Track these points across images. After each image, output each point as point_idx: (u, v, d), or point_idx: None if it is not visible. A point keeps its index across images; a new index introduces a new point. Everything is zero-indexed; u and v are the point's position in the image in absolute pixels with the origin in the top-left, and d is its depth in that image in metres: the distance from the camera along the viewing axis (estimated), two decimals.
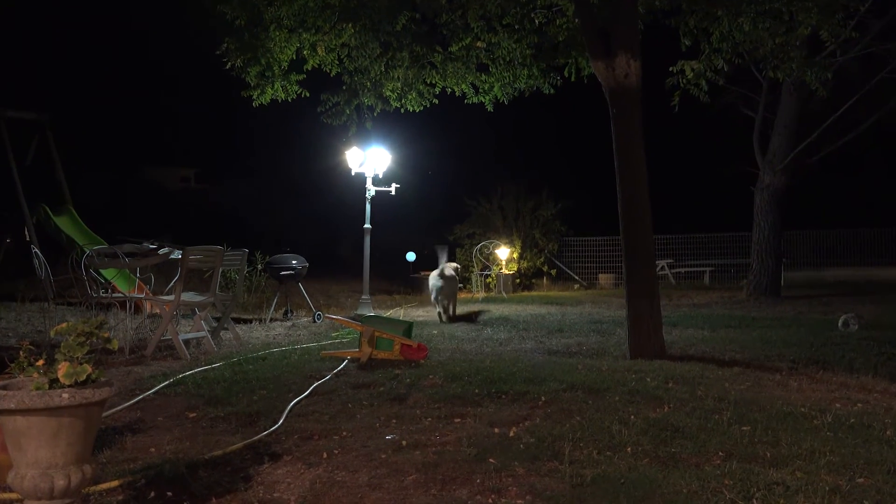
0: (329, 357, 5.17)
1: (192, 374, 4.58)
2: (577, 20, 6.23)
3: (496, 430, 3.15)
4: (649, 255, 5.39)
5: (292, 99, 7.20)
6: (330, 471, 2.68)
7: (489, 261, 14.05)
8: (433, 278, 8.27)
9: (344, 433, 3.16)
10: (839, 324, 6.80)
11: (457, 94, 7.51)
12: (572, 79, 7.19)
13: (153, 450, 2.94)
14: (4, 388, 2.02)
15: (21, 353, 2.11)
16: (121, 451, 2.94)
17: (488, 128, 23.42)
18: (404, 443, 2.98)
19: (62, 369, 2.01)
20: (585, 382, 4.04)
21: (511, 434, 3.08)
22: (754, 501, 2.32)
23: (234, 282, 8.67)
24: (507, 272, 14.04)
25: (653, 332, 5.18)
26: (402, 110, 7.64)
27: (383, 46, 6.90)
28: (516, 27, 6.80)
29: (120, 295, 6.46)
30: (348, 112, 7.46)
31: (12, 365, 2.12)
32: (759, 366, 4.82)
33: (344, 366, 4.84)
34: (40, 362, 2.05)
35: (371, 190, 9.72)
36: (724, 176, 16.34)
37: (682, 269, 15.29)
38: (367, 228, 9.61)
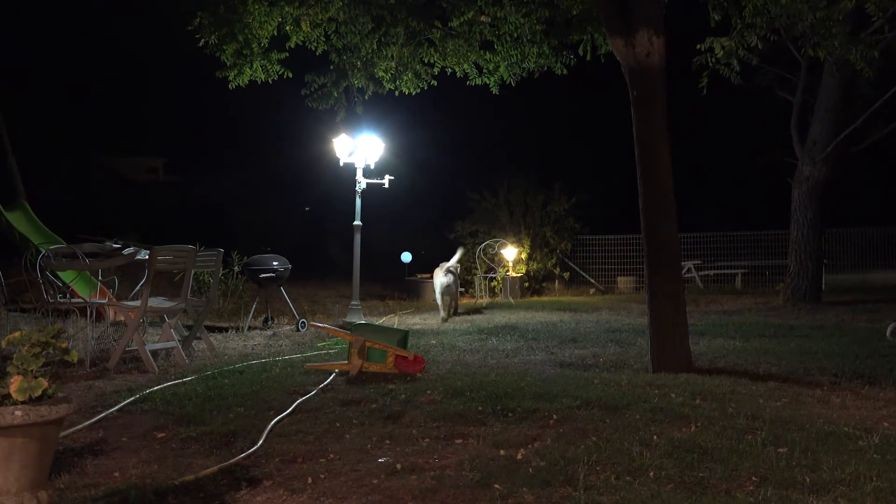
0: (314, 370, 5.16)
1: (160, 389, 4.57)
2: None
3: (502, 452, 3.15)
4: (674, 255, 5.38)
5: (273, 80, 7.20)
6: (315, 497, 2.67)
7: (494, 262, 14.05)
8: (443, 276, 9.44)
9: (331, 455, 3.15)
10: (888, 333, 6.79)
11: (458, 75, 7.51)
12: (588, 58, 7.18)
13: (117, 474, 2.94)
14: None
15: None
16: (81, 475, 2.94)
17: (493, 113, 23.44)
18: (399, 466, 2.97)
19: (15, 384, 2.01)
20: (602, 398, 4.03)
21: (519, 456, 3.07)
22: None
23: (208, 285, 8.65)
24: (514, 275, 14.04)
25: (678, 343, 5.17)
26: (397, 93, 7.64)
27: (375, 21, 6.90)
28: None
29: (80, 300, 6.45)
30: (336, 95, 7.46)
31: None
32: (797, 380, 4.81)
33: (331, 380, 4.83)
34: None
35: (362, 182, 9.72)
36: (758, 167, 16.34)
37: (711, 272, 15.29)
38: (358, 226, 9.60)
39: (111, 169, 28.23)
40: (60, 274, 7.28)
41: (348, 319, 8.96)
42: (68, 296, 6.58)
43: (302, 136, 24.37)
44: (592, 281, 15.99)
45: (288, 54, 7.08)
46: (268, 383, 4.73)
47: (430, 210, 21.83)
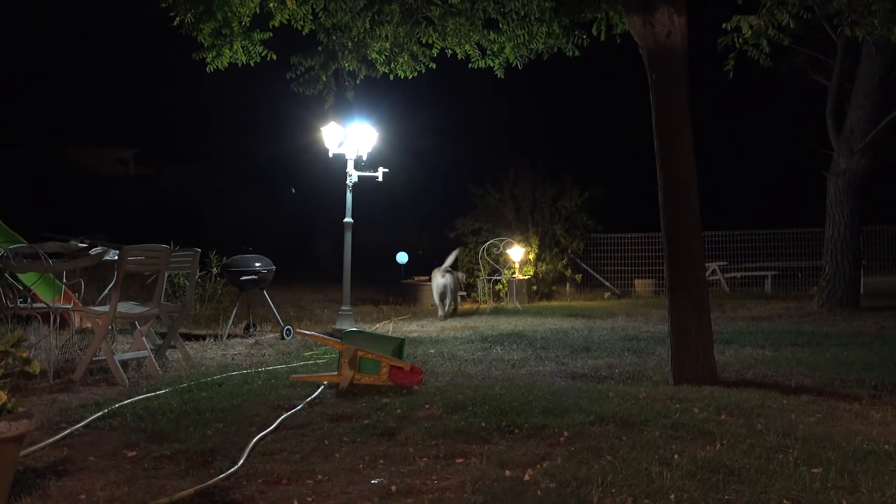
0: (301, 382, 5.16)
1: (131, 402, 4.56)
2: None
3: (507, 472, 3.15)
4: (697, 256, 5.38)
5: (256, 63, 7.19)
6: None
7: (499, 263, 14.05)
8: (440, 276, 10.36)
9: (319, 476, 3.15)
10: None
11: (459, 56, 7.51)
12: (602, 38, 7.18)
13: (83, 497, 2.94)
14: None
15: None
16: (43, 497, 2.93)
17: (498, 99, 23.47)
18: (394, 488, 2.97)
19: None
20: (618, 414, 4.03)
21: (526, 478, 3.08)
22: None
23: (184, 289, 8.64)
24: (521, 277, 14.04)
25: (701, 352, 5.18)
26: (392, 77, 7.64)
27: None
28: None
29: (42, 305, 6.45)
30: (325, 79, 7.46)
31: None
32: (832, 393, 4.81)
33: (319, 393, 4.83)
34: None
35: (353, 175, 9.71)
36: (790, 158, 16.35)
37: (738, 274, 15.30)
38: (348, 223, 9.60)
39: (76, 161, 28.25)
40: (21, 276, 7.27)
41: (338, 326, 8.96)
42: (29, 300, 6.58)
43: (287, 125, 24.40)
44: (607, 284, 15.99)
45: (271, 34, 7.07)
46: (249, 397, 4.73)
47: (429, 206, 21.86)
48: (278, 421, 4.06)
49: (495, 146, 23.75)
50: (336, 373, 5.13)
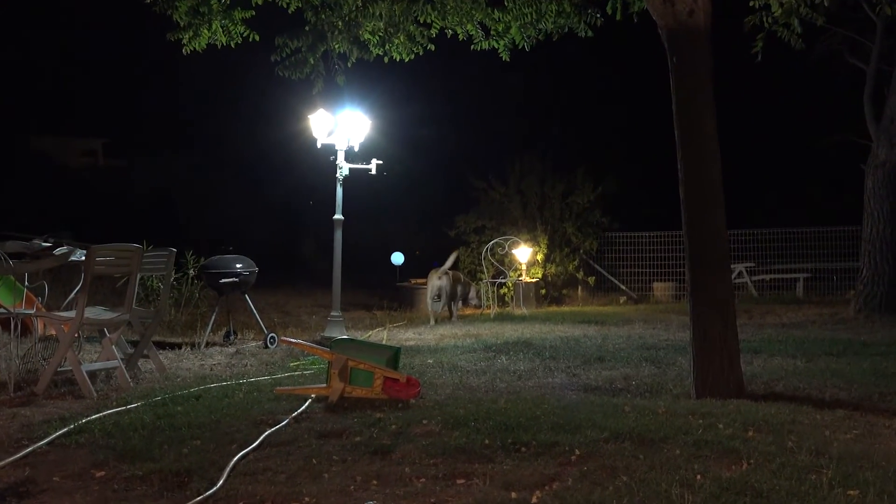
0: (286, 395, 5.16)
1: (99, 418, 4.56)
2: None
3: (513, 494, 3.15)
4: (722, 256, 5.38)
5: (237, 44, 7.19)
6: None
7: (504, 264, 14.05)
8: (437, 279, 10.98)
9: (306, 499, 3.15)
10: None
11: (460, 37, 7.50)
12: (617, 17, 7.18)
13: None
14: None
15: None
16: None
17: (503, 85, 23.44)
18: None
19: None
20: (635, 430, 4.04)
21: (534, 500, 3.08)
22: None
23: (158, 293, 8.64)
24: (528, 280, 14.05)
25: (727, 362, 5.17)
26: (386, 60, 7.64)
27: None
28: None
29: (2, 310, 6.45)
30: (312, 62, 7.44)
31: None
32: (871, 408, 4.81)
33: (306, 407, 4.83)
34: None
35: (344, 168, 9.72)
36: (824, 149, 16.34)
37: (767, 276, 15.30)
38: (338, 220, 9.61)
39: (39, 152, 28.23)
40: None
41: (327, 334, 8.96)
42: None
43: (271, 113, 24.41)
44: (623, 287, 16.00)
45: (254, 12, 7.06)
46: (230, 411, 4.72)
47: (427, 201, 21.85)
48: (261, 438, 4.05)
49: (500, 136, 23.72)
50: (325, 385, 5.13)
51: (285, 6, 7.10)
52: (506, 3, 7.22)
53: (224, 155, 27.56)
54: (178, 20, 6.87)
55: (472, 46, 7.59)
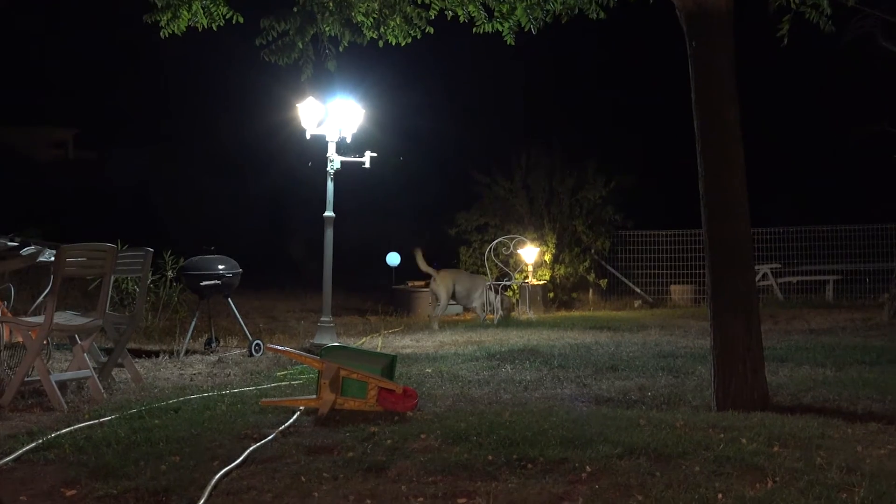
0: (273, 407, 5.16)
1: (70, 432, 4.56)
2: None
3: None
4: (745, 257, 5.39)
5: (219, 27, 7.18)
6: None
7: (509, 265, 14.05)
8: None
9: None
10: None
11: (461, 19, 7.50)
12: None
13: None
14: None
15: None
16: None
17: (508, 71, 23.46)
18: None
19: None
20: (651, 445, 4.04)
21: None
22: None
23: (134, 296, 8.64)
24: (534, 282, 14.05)
25: (750, 372, 5.18)
26: (381, 44, 7.63)
27: None
28: None
29: None
30: (301, 46, 7.44)
31: None
32: None
33: (295, 420, 4.84)
34: None
35: (335, 161, 9.71)
36: (856, 140, 16.33)
37: (794, 279, 15.31)
38: (329, 217, 9.61)
39: (3, 143, 28.20)
40: None
41: (317, 341, 8.96)
42: None
43: (256, 101, 24.38)
44: (638, 290, 16.00)
45: None
46: (211, 425, 4.72)
47: (425, 197, 21.86)
48: (245, 454, 4.05)
49: (505, 127, 23.75)
50: (314, 396, 5.13)
51: None
52: None
53: (206, 147, 27.56)
54: (156, 1, 6.87)
55: (473, 29, 7.58)
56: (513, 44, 7.62)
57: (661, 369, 6.92)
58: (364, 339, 9.82)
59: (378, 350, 8.43)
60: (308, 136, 9.78)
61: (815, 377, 6.41)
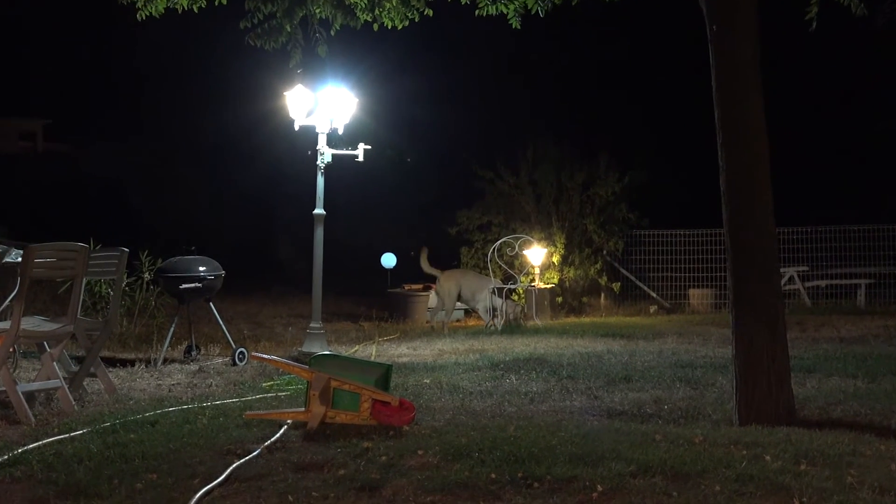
0: (258, 421, 5.16)
1: (38, 447, 4.56)
2: None
3: None
4: (770, 258, 5.38)
5: (200, 8, 7.18)
6: None
7: (513, 267, 14.06)
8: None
9: None
10: None
11: (463, 1, 7.51)
12: None
13: None
14: None
15: None
16: None
17: (513, 56, 23.47)
18: None
19: None
20: (668, 462, 4.04)
21: None
22: None
23: (107, 300, 8.62)
24: (542, 285, 14.04)
25: (775, 383, 5.17)
26: (376, 27, 7.63)
27: None
28: None
29: None
30: (289, 30, 7.44)
31: None
32: None
33: (282, 435, 4.83)
34: None
35: (325, 154, 9.71)
36: (890, 134, 16.35)
37: (823, 283, 15.28)
38: (320, 215, 9.60)
39: None
40: None
41: (306, 349, 8.95)
42: None
43: (241, 90, 24.40)
44: (653, 295, 15.99)
45: None
46: (191, 439, 4.72)
47: (424, 194, 21.88)
48: (228, 471, 4.06)
49: (509, 118, 23.74)
50: (303, 409, 5.12)
51: None
52: None
53: (186, 139, 27.59)
54: None
55: (476, 12, 7.58)
56: (519, 27, 7.62)
57: (679, 380, 6.91)
58: (357, 347, 9.81)
59: (372, 359, 8.42)
60: (297, 128, 9.77)
61: (846, 389, 6.39)
